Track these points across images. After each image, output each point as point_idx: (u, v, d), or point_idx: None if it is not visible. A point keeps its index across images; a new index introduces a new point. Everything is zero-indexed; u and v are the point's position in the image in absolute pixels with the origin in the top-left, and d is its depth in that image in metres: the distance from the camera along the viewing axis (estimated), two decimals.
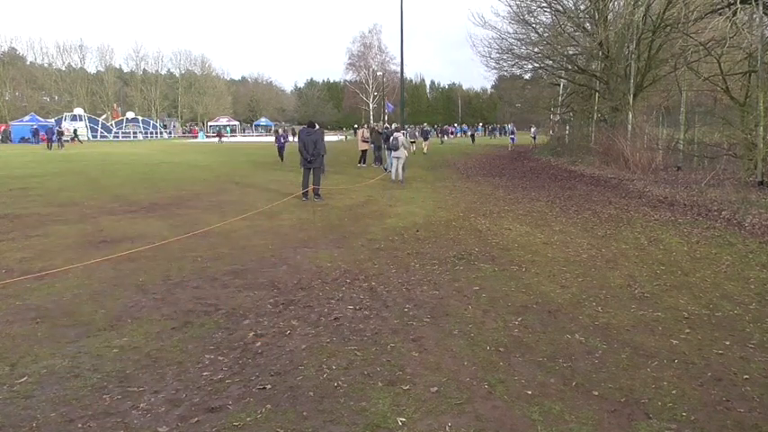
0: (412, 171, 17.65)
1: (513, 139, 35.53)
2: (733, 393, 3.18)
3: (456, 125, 73.86)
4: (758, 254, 6.58)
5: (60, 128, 40.86)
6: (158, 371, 3.46)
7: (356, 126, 28.08)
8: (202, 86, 77.85)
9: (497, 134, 63.86)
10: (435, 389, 3.23)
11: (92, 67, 76.94)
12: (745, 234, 7.70)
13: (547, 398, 3.12)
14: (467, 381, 3.34)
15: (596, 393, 3.18)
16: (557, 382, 3.32)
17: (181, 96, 77.80)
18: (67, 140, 45.73)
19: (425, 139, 30.78)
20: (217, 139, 50.80)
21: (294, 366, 3.54)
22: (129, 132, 56.78)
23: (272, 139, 34.26)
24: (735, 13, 11.16)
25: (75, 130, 47.05)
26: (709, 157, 13.93)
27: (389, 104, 49.21)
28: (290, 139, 29.49)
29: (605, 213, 9.73)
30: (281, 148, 22.60)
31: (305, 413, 2.96)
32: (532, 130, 37.64)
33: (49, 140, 35.43)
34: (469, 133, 55.18)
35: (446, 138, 53.97)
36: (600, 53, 20.49)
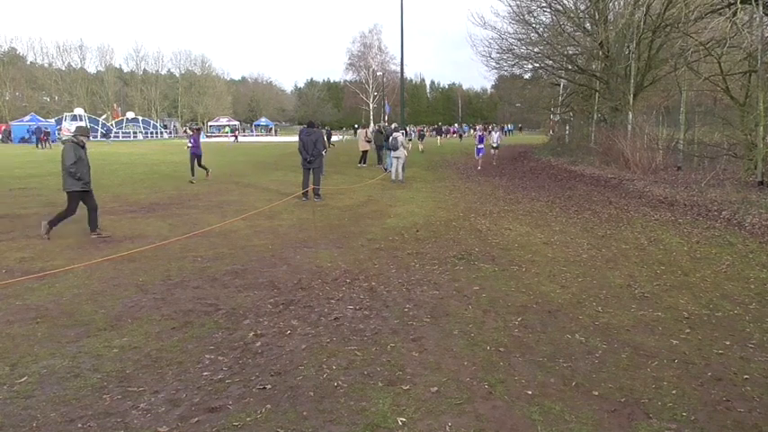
0: (412, 171, 17.65)
1: (480, 150, 20.54)
2: (733, 393, 3.18)
3: (457, 125, 73.81)
4: (758, 254, 6.58)
5: (47, 129, 40.99)
6: (158, 371, 3.46)
7: (356, 126, 28.06)
8: (202, 86, 77.84)
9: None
10: (435, 389, 3.23)
11: (92, 67, 77.03)
12: (745, 234, 7.70)
13: (547, 398, 3.12)
14: (467, 381, 3.34)
15: (596, 393, 3.18)
16: (557, 382, 3.32)
17: (181, 96, 77.81)
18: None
19: (421, 138, 32.86)
20: (232, 139, 50.74)
21: (294, 366, 3.54)
22: (129, 132, 56.76)
23: (274, 138, 34.17)
24: (735, 13, 11.16)
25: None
26: (709, 157, 13.93)
27: (388, 105, 49.19)
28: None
29: (605, 213, 9.73)
30: (196, 156, 14.93)
31: (305, 413, 2.96)
32: (495, 135, 24.23)
33: (40, 141, 36.14)
34: (458, 133, 55.27)
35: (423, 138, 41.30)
36: (600, 53, 20.48)
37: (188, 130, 16.67)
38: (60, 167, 7.46)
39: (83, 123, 51.02)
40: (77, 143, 7.45)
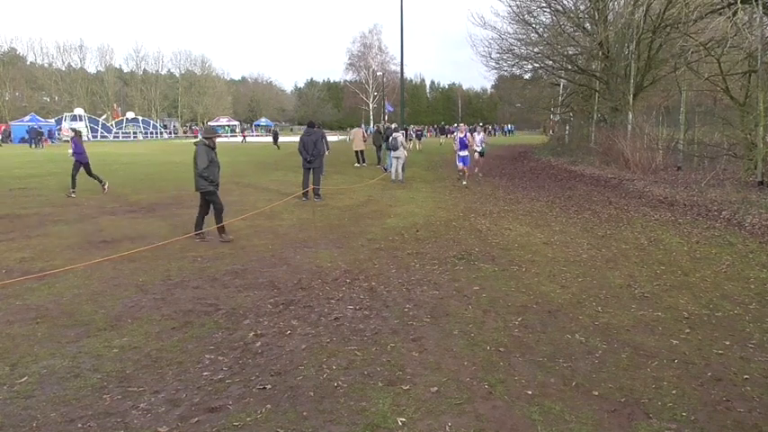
0: (412, 171, 17.65)
1: (462, 159, 14.69)
2: (733, 393, 3.18)
3: (456, 125, 73.89)
4: (758, 254, 6.58)
5: (41, 128, 40.91)
6: (158, 371, 3.46)
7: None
8: (202, 86, 77.76)
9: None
10: (435, 389, 3.23)
11: (92, 67, 76.89)
12: (745, 234, 7.70)
13: (547, 398, 3.12)
14: (467, 381, 3.34)
15: (596, 393, 3.18)
16: (557, 382, 3.32)
17: (181, 96, 77.75)
18: (66, 140, 45.95)
19: (419, 138, 33.33)
20: (241, 139, 50.62)
21: (294, 366, 3.54)
22: (129, 132, 56.76)
23: (274, 138, 34.14)
24: (735, 13, 11.16)
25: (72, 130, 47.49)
26: (709, 157, 13.94)
27: (389, 105, 49.22)
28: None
29: (605, 213, 9.73)
30: (82, 165, 11.92)
31: (305, 413, 2.96)
32: (478, 137, 17.06)
33: (33, 141, 36.28)
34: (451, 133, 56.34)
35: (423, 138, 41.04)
36: (600, 53, 20.49)
37: (73, 131, 13.69)
38: (192, 168, 7.49)
39: (83, 123, 50.99)
40: (209, 145, 7.47)
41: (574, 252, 6.80)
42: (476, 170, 16.31)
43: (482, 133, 18.20)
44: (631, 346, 3.86)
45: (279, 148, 32.18)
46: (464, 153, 14.49)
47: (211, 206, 7.58)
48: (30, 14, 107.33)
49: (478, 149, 16.87)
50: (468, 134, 15.02)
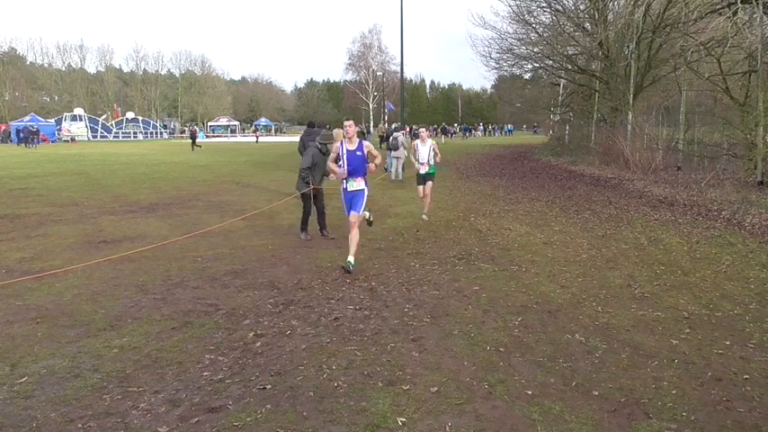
0: (412, 171, 17.65)
1: (350, 200, 6.05)
2: (733, 393, 3.18)
3: (456, 125, 73.89)
4: (758, 254, 6.58)
5: (35, 128, 40.74)
6: (158, 371, 3.46)
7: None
8: (202, 86, 77.79)
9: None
10: (435, 389, 3.23)
11: (92, 67, 77.12)
12: (745, 234, 7.70)
13: (547, 398, 3.12)
14: (467, 381, 3.34)
15: (596, 393, 3.18)
16: (557, 382, 3.32)
17: (181, 96, 77.78)
18: (67, 140, 46.04)
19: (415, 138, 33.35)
20: (254, 139, 50.49)
21: (294, 366, 3.54)
22: (129, 132, 56.78)
23: (279, 138, 34.19)
24: (735, 13, 11.16)
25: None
26: (709, 157, 13.94)
27: (390, 104, 49.21)
28: None
29: (605, 213, 9.73)
30: None
31: (305, 413, 2.96)
32: (422, 149, 9.35)
33: (27, 141, 36.21)
34: (450, 132, 57.01)
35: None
36: (600, 53, 20.49)
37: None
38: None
39: (82, 123, 51.05)
40: (321, 150, 7.59)
41: (574, 252, 6.80)
42: (423, 216, 9.20)
43: (430, 139, 9.70)
44: (631, 346, 3.86)
45: (199, 147, 33.17)
46: (355, 186, 6.12)
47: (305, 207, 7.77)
48: (30, 14, 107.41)
49: (423, 170, 9.39)
50: (367, 144, 6.29)
